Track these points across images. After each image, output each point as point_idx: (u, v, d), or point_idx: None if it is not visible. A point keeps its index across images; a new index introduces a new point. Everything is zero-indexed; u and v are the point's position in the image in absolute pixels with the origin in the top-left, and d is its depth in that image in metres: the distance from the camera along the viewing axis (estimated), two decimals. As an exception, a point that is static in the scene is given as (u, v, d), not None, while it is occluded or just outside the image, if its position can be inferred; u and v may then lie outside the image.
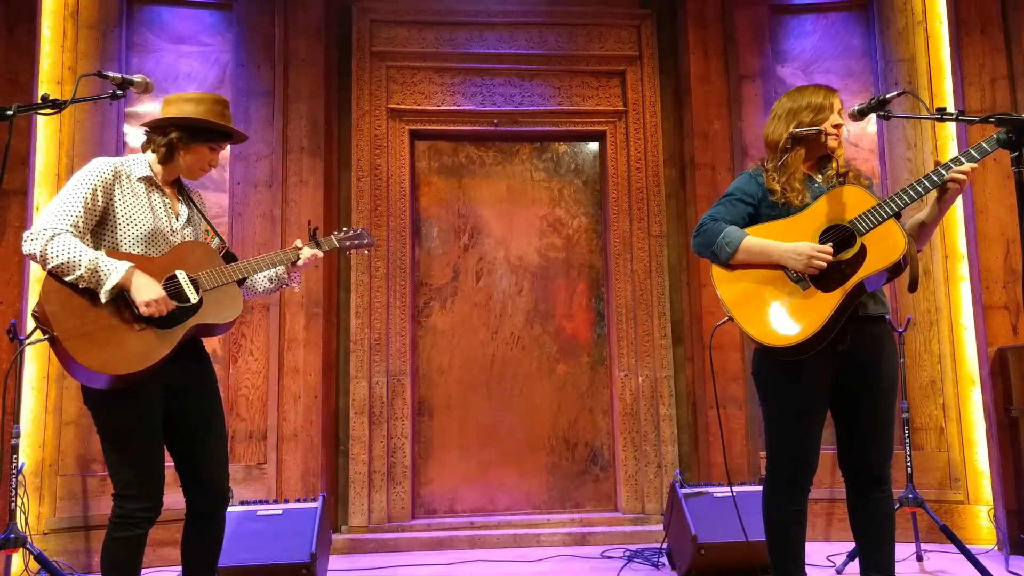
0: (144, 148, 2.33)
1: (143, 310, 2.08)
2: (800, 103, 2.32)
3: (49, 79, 3.74)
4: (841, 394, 2.27)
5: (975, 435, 3.79)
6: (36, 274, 3.61)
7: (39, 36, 3.67)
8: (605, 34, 4.51)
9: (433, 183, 4.53)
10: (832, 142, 2.32)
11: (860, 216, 2.18)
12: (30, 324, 3.39)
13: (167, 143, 2.26)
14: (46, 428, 3.60)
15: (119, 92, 2.13)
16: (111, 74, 2.12)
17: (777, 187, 2.28)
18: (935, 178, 2.17)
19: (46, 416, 3.61)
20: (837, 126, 2.31)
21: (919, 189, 2.18)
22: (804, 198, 2.27)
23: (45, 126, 3.72)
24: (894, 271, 2.16)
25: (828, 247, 2.15)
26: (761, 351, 2.26)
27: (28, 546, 3.06)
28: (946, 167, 2.17)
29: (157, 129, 2.28)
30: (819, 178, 2.35)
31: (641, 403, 4.26)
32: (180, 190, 2.39)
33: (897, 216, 2.19)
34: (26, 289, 3.51)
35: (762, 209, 2.31)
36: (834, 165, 2.36)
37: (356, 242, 2.66)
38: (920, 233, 2.32)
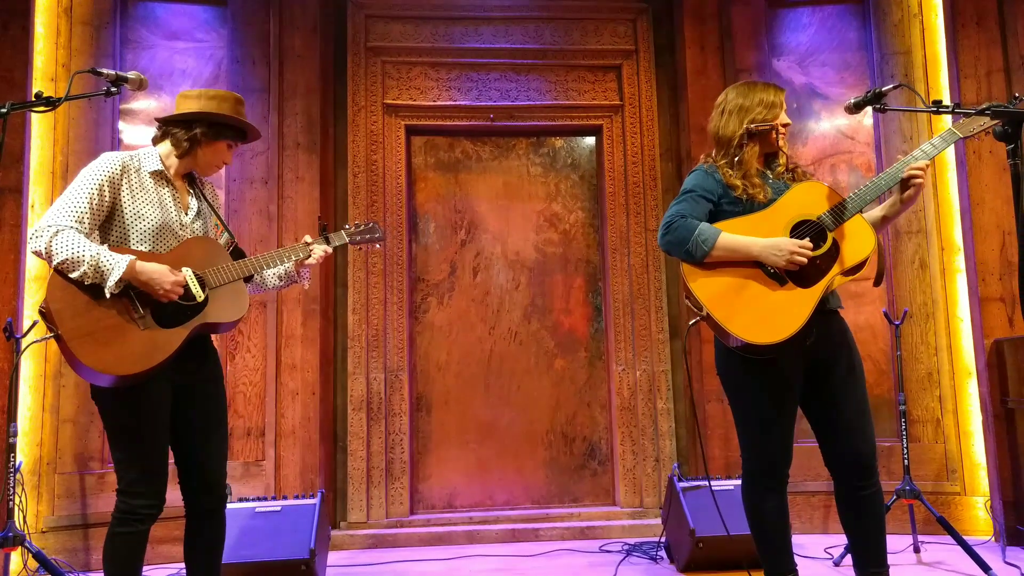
0: (156, 142, 2.32)
1: (161, 299, 2.09)
2: (752, 100, 2.32)
3: (43, 76, 3.73)
4: (815, 388, 2.27)
5: (972, 427, 3.81)
6: (32, 272, 3.60)
7: (33, 33, 3.65)
8: (601, 28, 4.50)
9: (429, 178, 4.53)
10: (782, 139, 2.35)
11: (829, 212, 2.20)
12: (26, 323, 3.40)
13: (190, 137, 2.25)
14: (43, 426, 3.60)
15: (113, 89, 2.12)
16: (105, 71, 2.11)
17: (738, 183, 2.28)
18: (895, 173, 2.22)
19: (43, 414, 3.60)
20: (786, 125, 2.34)
21: (880, 184, 2.22)
22: (767, 193, 2.27)
23: (39, 123, 3.71)
24: (863, 265, 2.18)
25: (807, 243, 2.16)
26: (729, 349, 2.24)
27: (26, 544, 3.06)
28: (904, 162, 2.22)
29: (180, 123, 2.27)
30: (770, 174, 2.37)
31: (639, 397, 4.26)
32: (192, 184, 2.38)
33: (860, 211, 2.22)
34: (22, 287, 3.50)
35: (723, 205, 2.29)
36: (782, 161, 2.38)
37: (367, 236, 2.61)
38: (879, 226, 2.34)
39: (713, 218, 2.29)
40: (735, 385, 2.30)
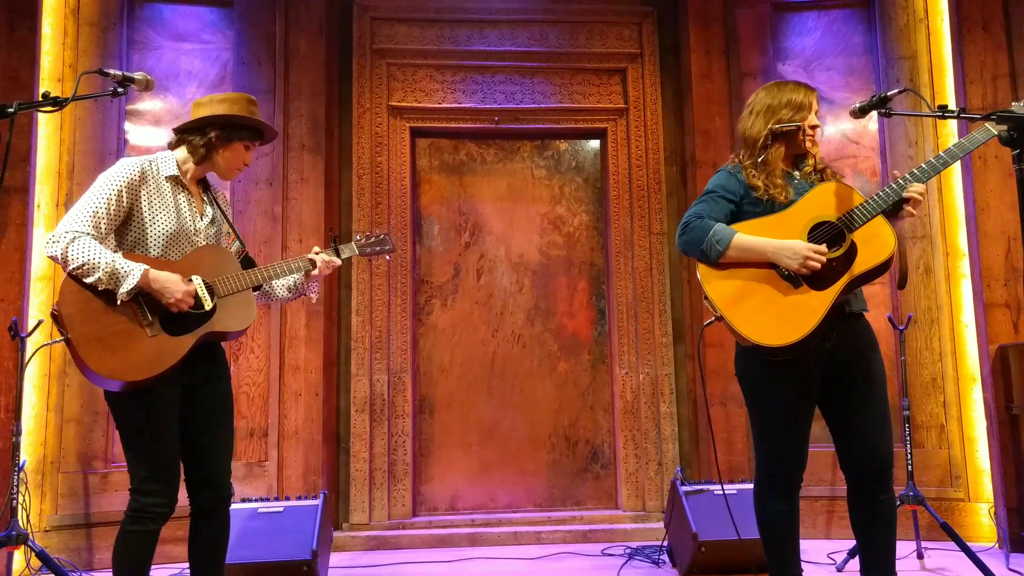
0: (172, 147, 2.33)
1: (172, 308, 2.11)
2: (780, 99, 2.29)
3: (50, 77, 3.74)
4: (833, 393, 2.24)
5: (976, 433, 3.79)
6: (38, 271, 3.62)
7: (40, 34, 3.66)
8: (606, 31, 4.51)
9: (434, 181, 4.53)
10: (809, 142, 2.31)
11: (848, 213, 2.16)
12: (31, 322, 3.41)
13: (206, 142, 2.26)
14: (47, 425, 3.61)
15: (120, 90, 2.13)
16: (112, 71, 2.12)
17: (760, 184, 2.25)
18: (928, 169, 2.16)
19: (47, 413, 3.61)
20: (814, 127, 2.30)
21: (903, 186, 2.17)
22: (788, 194, 2.24)
23: (46, 124, 3.72)
24: (883, 268, 2.14)
25: (823, 247, 2.13)
26: (747, 351, 2.23)
27: (30, 543, 3.07)
28: (939, 158, 2.15)
29: (194, 130, 2.28)
30: (797, 175, 2.33)
31: (642, 401, 4.26)
32: (206, 189, 2.40)
33: (885, 213, 2.17)
34: (27, 287, 3.51)
35: (744, 206, 2.27)
36: (811, 162, 2.34)
37: (377, 249, 2.60)
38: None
39: (735, 219, 2.26)
40: (752, 386, 2.28)
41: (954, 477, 3.81)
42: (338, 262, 2.49)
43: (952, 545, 3.24)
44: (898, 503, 3.29)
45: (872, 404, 2.22)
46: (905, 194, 2.14)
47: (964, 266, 3.88)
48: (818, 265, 2.11)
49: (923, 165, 2.17)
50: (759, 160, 2.28)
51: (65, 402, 3.64)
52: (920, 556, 3.37)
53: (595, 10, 4.49)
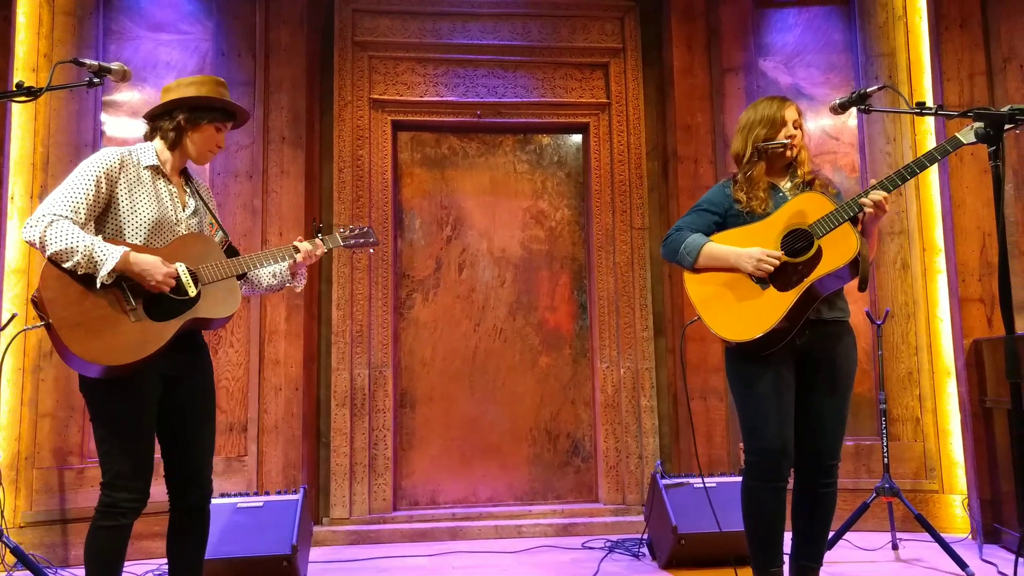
0: (148, 137, 2.31)
1: (153, 290, 2.09)
2: (755, 117, 2.46)
3: (24, 66, 3.68)
4: (802, 386, 2.38)
5: (950, 426, 3.85)
6: (12, 264, 3.56)
7: (14, 23, 3.60)
8: (589, 26, 4.51)
9: (415, 174, 4.51)
10: (789, 153, 2.45)
11: (818, 221, 2.30)
12: (5, 315, 3.36)
13: (175, 126, 2.24)
14: (22, 420, 3.56)
15: (96, 80, 2.11)
16: (88, 61, 2.09)
17: (742, 196, 2.44)
18: (903, 173, 2.28)
19: (22, 408, 3.56)
20: (790, 137, 2.43)
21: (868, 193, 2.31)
22: (767, 206, 2.41)
23: (20, 114, 3.66)
24: (851, 271, 2.28)
25: (778, 252, 2.31)
26: (731, 349, 2.41)
27: (4, 539, 3.03)
28: (866, 193, 2.28)
29: (163, 115, 2.26)
30: (787, 185, 2.48)
31: (623, 395, 4.28)
32: (188, 181, 2.37)
33: (854, 220, 2.30)
34: (0, 280, 3.46)
35: (728, 218, 2.47)
36: (800, 173, 2.48)
37: (361, 241, 2.61)
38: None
39: (721, 229, 2.46)
40: (738, 375, 2.41)
41: (929, 469, 3.87)
42: (323, 249, 2.49)
43: (926, 536, 3.29)
44: (874, 495, 3.35)
45: (832, 401, 2.38)
46: (860, 202, 2.28)
47: (940, 261, 3.93)
48: (770, 268, 2.29)
49: (892, 175, 2.28)
50: (746, 175, 2.45)
51: (40, 397, 3.59)
52: (895, 547, 3.42)
53: (578, 4, 4.49)
